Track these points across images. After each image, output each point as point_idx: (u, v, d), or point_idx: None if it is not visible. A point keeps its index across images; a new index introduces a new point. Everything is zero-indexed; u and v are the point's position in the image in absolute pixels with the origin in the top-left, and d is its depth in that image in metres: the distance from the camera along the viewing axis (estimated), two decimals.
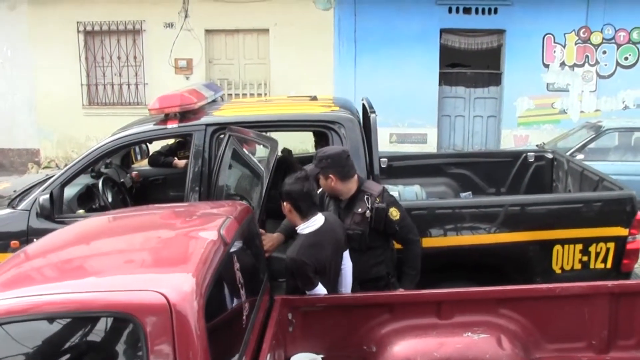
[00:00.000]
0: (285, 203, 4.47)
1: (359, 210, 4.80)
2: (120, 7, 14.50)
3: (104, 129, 13.85)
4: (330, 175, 4.79)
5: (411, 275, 4.85)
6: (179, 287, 3.01)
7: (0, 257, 5.52)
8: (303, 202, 4.43)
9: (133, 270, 3.39)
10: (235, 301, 3.68)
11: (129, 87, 14.91)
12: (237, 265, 3.72)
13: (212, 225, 3.70)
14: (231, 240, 3.62)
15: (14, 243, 5.66)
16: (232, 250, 3.64)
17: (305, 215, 4.46)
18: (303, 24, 14.03)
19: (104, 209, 6.24)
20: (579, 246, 5.54)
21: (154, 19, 14.45)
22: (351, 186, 4.86)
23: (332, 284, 4.54)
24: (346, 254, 4.68)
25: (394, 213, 4.75)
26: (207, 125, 5.82)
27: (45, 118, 15.13)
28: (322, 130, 5.84)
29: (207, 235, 3.55)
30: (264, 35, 14.32)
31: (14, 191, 6.62)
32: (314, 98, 6.60)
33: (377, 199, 4.76)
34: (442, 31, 13.98)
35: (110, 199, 6.45)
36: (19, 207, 5.89)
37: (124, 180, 7.04)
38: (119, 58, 14.88)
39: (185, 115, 5.92)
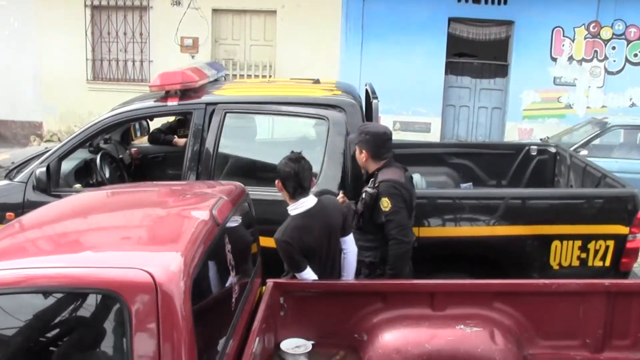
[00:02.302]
0: (277, 181, 4.48)
1: (364, 189, 4.87)
2: None
3: (107, 105, 13.70)
4: (364, 151, 4.89)
5: (388, 275, 4.69)
6: (166, 266, 2.96)
7: None
8: (289, 182, 4.43)
9: (122, 247, 3.35)
10: (225, 283, 3.63)
11: (133, 64, 14.81)
12: (228, 247, 3.67)
13: (205, 205, 3.66)
14: (223, 220, 3.57)
15: (9, 215, 5.62)
16: (224, 231, 3.59)
17: (293, 196, 4.46)
18: (311, 6, 13.91)
19: (101, 184, 6.20)
20: (578, 243, 5.49)
21: None
22: (378, 166, 4.89)
23: (325, 269, 4.52)
24: (350, 239, 4.68)
25: (385, 203, 4.67)
26: (208, 104, 5.77)
27: (49, 91, 15.02)
28: (322, 114, 5.75)
29: (198, 215, 3.51)
30: (271, 16, 14.21)
31: (12, 162, 6.59)
32: (317, 81, 6.55)
33: (376, 184, 4.75)
34: (450, 20, 13.85)
35: (107, 175, 6.40)
36: (16, 179, 5.87)
37: (122, 156, 6.99)
38: (125, 34, 14.76)
39: (186, 93, 5.87)
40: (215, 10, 14.24)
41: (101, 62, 14.95)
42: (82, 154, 6.39)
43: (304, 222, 4.41)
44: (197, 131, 5.70)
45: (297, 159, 4.48)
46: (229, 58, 14.20)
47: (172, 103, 5.84)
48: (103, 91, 14.54)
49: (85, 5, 14.69)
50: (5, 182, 5.91)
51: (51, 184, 5.63)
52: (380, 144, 4.92)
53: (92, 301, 3.07)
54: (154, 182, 4.89)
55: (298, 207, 4.46)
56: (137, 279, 2.88)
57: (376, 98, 5.75)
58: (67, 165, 6.07)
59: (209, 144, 5.65)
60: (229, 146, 6.01)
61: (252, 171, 6.03)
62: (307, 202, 4.49)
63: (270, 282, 4.28)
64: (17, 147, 14.24)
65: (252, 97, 6.08)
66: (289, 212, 4.47)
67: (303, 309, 4.26)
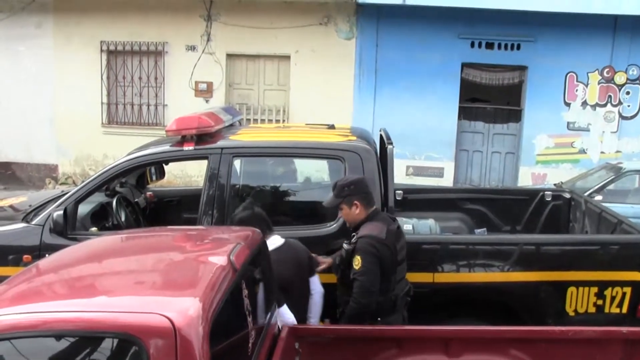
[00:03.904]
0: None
1: (346, 240, 4.84)
2: (143, 28, 14.63)
3: (122, 148, 13.91)
4: (356, 202, 4.81)
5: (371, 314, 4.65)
6: (185, 311, 2.96)
7: (13, 271, 5.53)
8: (258, 224, 4.55)
9: (140, 291, 3.35)
10: (242, 328, 3.63)
11: (148, 108, 14.99)
12: (245, 292, 3.68)
13: (222, 250, 3.67)
14: (241, 266, 3.58)
15: (27, 257, 5.67)
16: (241, 276, 3.60)
17: (264, 235, 4.53)
18: (324, 52, 14.07)
19: (117, 227, 6.24)
20: (594, 289, 5.45)
21: (176, 41, 14.55)
22: (366, 215, 4.83)
23: (298, 307, 4.62)
24: (316, 279, 4.84)
25: (356, 262, 4.61)
26: (223, 149, 5.81)
27: (65, 134, 15.23)
28: (337, 159, 5.81)
29: (216, 261, 3.51)
30: (284, 61, 14.37)
31: (29, 205, 6.65)
32: (332, 127, 6.59)
33: (355, 240, 4.70)
34: (464, 65, 13.96)
35: (123, 218, 6.44)
36: (33, 222, 5.92)
37: (138, 200, 7.03)
38: (140, 78, 14.97)
39: (202, 138, 5.91)
40: (229, 55, 14.44)
41: (116, 105, 15.13)
42: (98, 198, 6.44)
43: (278, 257, 4.56)
44: (212, 176, 5.73)
45: (251, 203, 4.81)
46: (242, 102, 14.34)
47: (188, 148, 5.88)
48: (118, 135, 14.70)
49: (102, 50, 14.93)
50: (23, 224, 5.96)
51: (68, 227, 5.67)
52: (367, 188, 4.92)
53: (110, 345, 3.07)
54: (171, 227, 4.91)
55: (270, 244, 4.57)
56: (156, 323, 2.89)
57: (391, 144, 5.79)
58: (84, 209, 6.11)
59: (225, 188, 5.69)
60: (244, 191, 6.07)
61: (268, 215, 6.07)
62: (277, 240, 4.75)
63: (285, 327, 4.28)
64: (33, 189, 14.36)
65: (268, 142, 6.13)
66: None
67: (318, 355, 4.24)
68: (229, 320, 3.41)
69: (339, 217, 5.45)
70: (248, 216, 4.72)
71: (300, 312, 4.63)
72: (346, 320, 4.63)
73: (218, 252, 3.71)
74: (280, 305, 4.41)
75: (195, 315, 2.95)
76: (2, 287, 3.63)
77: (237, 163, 5.88)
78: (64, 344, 3.18)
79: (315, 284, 4.84)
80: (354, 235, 4.78)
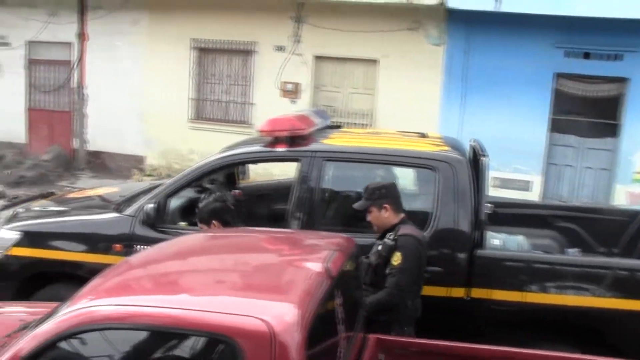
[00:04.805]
0: (213, 222, 4.92)
1: (381, 241, 4.83)
2: (234, 27, 14.79)
3: (207, 144, 14.17)
4: (386, 206, 4.88)
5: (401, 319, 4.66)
6: (283, 316, 2.96)
7: (103, 259, 5.75)
8: (229, 215, 4.93)
9: (237, 293, 3.36)
10: (333, 337, 3.59)
11: (235, 106, 15.15)
12: (339, 300, 3.63)
13: (319, 256, 3.64)
14: (337, 274, 3.54)
15: (116, 246, 5.80)
16: (336, 284, 3.55)
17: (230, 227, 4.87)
18: (412, 57, 13.91)
19: None
20: None
21: (265, 41, 14.64)
22: (397, 220, 4.90)
23: None
24: None
25: (396, 258, 4.64)
26: (316, 152, 5.79)
27: (153, 128, 15.55)
28: (428, 169, 5.71)
29: (313, 267, 3.49)
30: (371, 65, 14.29)
31: (120, 196, 6.80)
32: (424, 135, 6.51)
33: (395, 237, 4.73)
34: (557, 75, 13.51)
35: None
36: (125, 213, 6.07)
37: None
38: (228, 76, 15.16)
39: (294, 140, 5.91)
40: (317, 57, 14.45)
41: (204, 102, 15.34)
42: (187, 193, 6.52)
43: None
44: (303, 179, 5.73)
45: (221, 195, 5.10)
46: (328, 105, 14.31)
47: (281, 149, 5.89)
48: (204, 130, 14.94)
49: (192, 48, 15.16)
50: (115, 214, 6.14)
51: (158, 220, 5.80)
52: (397, 193, 5.00)
53: (205, 345, 3.11)
54: (262, 229, 4.90)
55: None
56: (254, 327, 2.90)
57: (486, 155, 5.66)
58: (174, 203, 6.21)
59: (315, 192, 5.68)
60: (334, 195, 6.04)
61: (356, 220, 6.00)
62: None
63: (372, 337, 4.21)
64: (120, 179, 14.79)
65: (360, 147, 6.08)
66: None
67: None
68: (322, 328, 3.37)
69: (431, 226, 5.38)
70: (220, 208, 4.99)
71: None
72: (367, 306, 4.55)
73: (314, 258, 3.69)
74: None
75: (293, 321, 2.93)
76: (99, 279, 3.70)
77: (327, 167, 5.83)
78: (157, 339, 3.24)
79: None
80: (393, 232, 4.81)
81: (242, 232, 4.78)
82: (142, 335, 3.27)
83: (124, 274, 3.79)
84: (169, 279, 3.76)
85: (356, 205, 5.09)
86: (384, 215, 4.89)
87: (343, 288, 3.84)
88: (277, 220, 6.14)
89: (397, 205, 4.93)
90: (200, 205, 5.18)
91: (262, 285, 3.44)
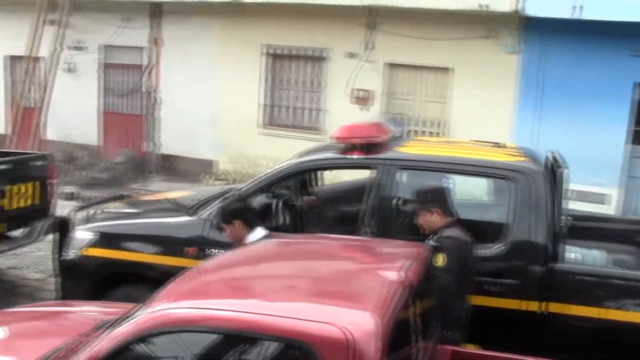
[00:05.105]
0: (235, 222, 5.03)
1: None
2: (306, 33, 14.82)
3: (277, 150, 14.22)
4: (435, 209, 4.96)
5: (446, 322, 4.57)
6: (363, 324, 2.94)
7: (176, 261, 5.82)
8: (250, 214, 5.12)
9: (314, 299, 3.36)
10: (409, 347, 3.54)
11: (306, 112, 15.19)
12: (415, 310, 3.59)
13: (396, 264, 3.61)
14: (414, 282, 3.50)
15: (189, 249, 5.87)
16: (413, 293, 3.52)
17: (252, 227, 5.01)
18: (486, 66, 13.67)
19: (276, 229, 6.31)
20: None
21: (338, 47, 14.62)
22: (444, 224, 4.94)
23: None
24: None
25: (440, 260, 4.63)
26: (390, 160, 5.76)
27: (224, 133, 15.70)
28: (504, 179, 5.62)
29: (390, 275, 3.46)
30: (445, 73, 14.13)
31: (192, 200, 6.89)
32: (500, 145, 6.42)
33: (438, 239, 4.77)
34: (638, 85, 13.09)
35: (283, 220, 6.52)
36: (198, 216, 6.12)
37: (298, 203, 7.10)
38: (299, 83, 15.21)
39: (368, 147, 5.88)
40: (390, 65, 14.37)
41: (275, 108, 15.44)
42: (260, 198, 6.55)
43: None
44: (377, 186, 5.70)
45: (242, 196, 5.31)
46: (400, 112, 14.22)
47: (355, 156, 5.88)
48: (274, 136, 15.04)
49: (263, 54, 15.28)
50: (188, 218, 6.20)
51: None
52: (445, 197, 5.08)
53: (281, 350, 3.11)
54: (337, 236, 4.90)
55: (256, 235, 4.94)
56: (333, 334, 2.89)
57: (564, 167, 5.56)
58: None
59: (389, 200, 5.65)
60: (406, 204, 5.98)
61: None
62: (261, 230, 5.02)
63: (445, 349, 4.15)
64: (190, 182, 14.97)
65: (435, 156, 6.02)
66: (250, 241, 4.88)
67: None
68: (399, 337, 3.33)
69: (506, 238, 5.30)
70: (243, 208, 5.16)
71: None
72: (443, 312, 4.53)
73: (392, 266, 3.66)
74: None
75: (372, 329, 2.91)
76: (176, 282, 3.74)
77: (402, 175, 5.79)
78: (232, 343, 3.26)
79: None
80: (437, 235, 4.86)
81: (316, 239, 4.78)
82: (218, 338, 3.30)
83: (200, 277, 3.83)
84: (245, 283, 3.79)
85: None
86: (432, 219, 4.98)
87: (419, 297, 3.80)
88: (348, 223, 6.14)
89: (445, 209, 5.01)
90: (222, 206, 5.33)
91: (340, 293, 3.43)
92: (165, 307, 3.37)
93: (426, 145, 6.64)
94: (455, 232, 4.86)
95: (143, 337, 3.28)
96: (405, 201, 5.58)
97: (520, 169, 5.59)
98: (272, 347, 3.15)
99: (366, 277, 3.64)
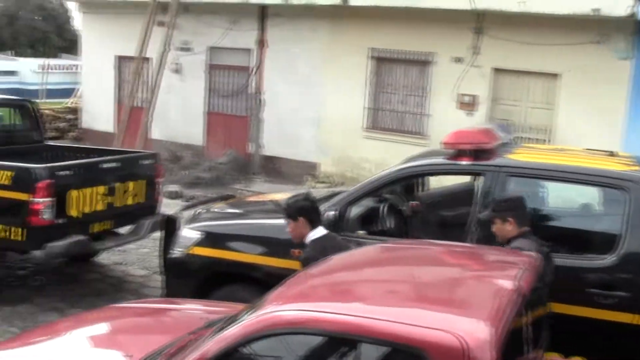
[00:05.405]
0: (300, 218, 5.18)
1: None
2: (412, 37, 14.80)
3: (381, 153, 14.33)
4: (509, 219, 4.95)
5: None
6: (477, 332, 2.93)
7: (281, 263, 5.91)
8: (315, 213, 5.24)
9: (426, 306, 3.36)
10: (521, 358, 3.52)
11: (410, 116, 15.14)
12: (527, 320, 3.56)
13: (509, 273, 3.59)
14: (527, 292, 3.48)
15: (295, 251, 5.93)
16: (526, 303, 3.49)
17: (315, 225, 5.20)
18: (596, 72, 13.26)
19: (383, 233, 6.35)
20: None
21: (443, 52, 14.51)
22: (516, 234, 4.92)
23: None
24: None
25: None
26: (500, 167, 5.71)
27: (327, 135, 15.85)
28: (618, 189, 5.48)
29: (504, 284, 3.44)
30: (552, 79, 13.80)
31: None
32: (613, 154, 6.25)
33: None
34: None
35: (390, 225, 6.55)
36: None
37: (404, 208, 7.11)
38: (405, 86, 15.18)
39: (478, 153, 5.85)
40: (496, 70, 14.17)
41: (379, 111, 15.47)
42: (366, 201, 6.60)
43: (325, 242, 5.12)
44: (486, 194, 5.66)
45: (306, 197, 5.36)
46: (505, 118, 13.98)
47: (464, 162, 5.86)
48: (378, 140, 15.08)
49: (370, 57, 15.33)
50: None
51: (339, 228, 5.90)
52: (522, 207, 5.06)
53: (393, 356, 3.11)
54: (447, 242, 4.89)
55: (317, 233, 5.18)
56: (448, 341, 2.88)
57: None
58: (354, 211, 6.28)
59: None
60: None
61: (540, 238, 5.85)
62: (322, 229, 5.25)
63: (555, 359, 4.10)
64: (292, 184, 15.15)
65: (547, 164, 5.91)
66: (310, 238, 5.16)
67: None
68: (512, 347, 3.32)
69: (618, 249, 5.18)
70: (309, 206, 5.26)
71: None
72: None
73: (505, 274, 3.64)
74: None
75: (487, 338, 2.90)
76: (286, 285, 3.82)
77: (512, 183, 5.73)
78: (341, 346, 3.29)
79: None
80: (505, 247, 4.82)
81: (424, 245, 4.79)
82: (325, 341, 3.32)
83: (309, 281, 3.88)
84: (353, 287, 3.84)
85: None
86: (506, 228, 4.98)
87: (531, 307, 3.77)
88: (451, 229, 6.12)
89: (521, 219, 4.99)
90: (289, 201, 5.40)
91: (453, 300, 3.43)
92: (275, 309, 3.42)
93: (537, 153, 6.52)
94: (524, 244, 4.78)
95: (251, 340, 3.33)
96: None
97: (635, 178, 5.44)
98: (380, 351, 3.15)
99: (479, 285, 3.63)
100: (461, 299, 3.42)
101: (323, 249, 4.95)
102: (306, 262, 4.91)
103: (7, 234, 7.57)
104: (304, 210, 5.23)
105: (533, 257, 4.08)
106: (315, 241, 5.15)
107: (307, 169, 16.15)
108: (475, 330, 2.95)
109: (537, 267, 3.95)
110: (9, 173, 7.55)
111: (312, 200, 5.34)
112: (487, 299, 3.32)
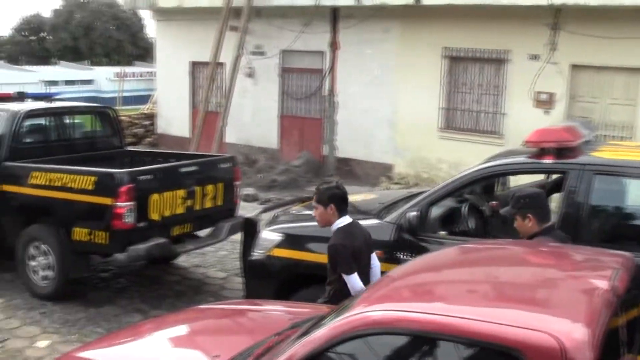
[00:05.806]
0: (330, 205, 5.26)
1: None
2: (486, 36, 14.59)
3: (456, 154, 14.18)
4: (529, 216, 4.91)
5: None
6: (574, 333, 2.87)
7: None
8: (344, 202, 5.34)
9: (518, 306, 3.30)
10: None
11: (486, 115, 14.92)
12: (623, 321, 3.47)
13: (603, 273, 3.50)
14: (623, 293, 3.39)
15: (377, 252, 5.93)
16: (622, 304, 3.40)
17: (342, 214, 5.31)
18: None
19: (464, 233, 6.29)
20: None
21: (519, 49, 14.26)
22: (539, 230, 4.89)
23: (363, 276, 5.19)
24: (374, 255, 5.52)
25: None
26: (585, 165, 5.57)
27: (402, 136, 15.77)
28: None
29: (599, 284, 3.36)
30: (634, 74, 13.38)
31: (379, 203, 6.98)
32: None
33: None
34: None
35: (471, 225, 6.48)
36: (386, 219, 6.20)
37: (484, 208, 7.03)
38: (479, 85, 14.99)
39: (561, 152, 5.73)
40: (574, 66, 13.83)
41: (454, 111, 15.32)
42: (447, 202, 6.54)
43: (351, 230, 5.29)
44: (571, 193, 5.54)
45: (338, 185, 5.44)
46: (584, 116, 13.64)
47: (547, 161, 5.75)
48: (453, 140, 14.92)
49: (443, 56, 15.19)
50: (376, 221, 6.27)
51: (420, 228, 5.88)
52: (542, 204, 5.02)
53: (484, 356, 3.08)
54: (534, 242, 4.80)
55: (343, 221, 5.31)
56: (545, 342, 2.83)
57: None
58: (434, 212, 6.25)
59: (584, 207, 5.46)
60: (604, 211, 5.77)
61: (627, 239, 5.68)
62: (348, 217, 5.36)
63: None
64: (367, 186, 15.13)
65: (634, 162, 5.74)
66: (336, 226, 5.29)
67: None
68: (608, 349, 3.23)
69: None
70: (340, 195, 5.33)
71: (365, 281, 5.15)
72: None
73: (599, 275, 3.56)
74: (351, 272, 5.08)
75: (584, 339, 2.84)
76: (372, 288, 3.82)
77: (597, 181, 5.58)
78: (429, 346, 3.26)
79: (374, 259, 5.52)
80: None
81: (509, 245, 4.71)
82: (413, 342, 3.30)
83: (397, 282, 3.86)
84: (442, 288, 3.80)
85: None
86: (527, 225, 4.95)
87: (625, 308, 3.67)
88: None
89: (541, 216, 4.95)
90: (321, 187, 5.45)
91: (546, 300, 3.36)
92: (364, 310, 3.42)
93: (622, 150, 6.35)
94: (545, 241, 4.75)
95: (339, 342, 3.33)
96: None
97: None
98: (472, 352, 3.12)
99: (573, 285, 3.54)
100: (556, 299, 3.35)
101: (351, 235, 5.23)
102: (334, 249, 5.16)
103: (91, 237, 7.79)
104: (336, 198, 5.32)
105: (627, 257, 3.96)
106: (343, 229, 5.29)
107: (382, 170, 16.10)
108: (573, 331, 2.89)
109: (631, 268, 3.84)
110: (92, 178, 7.77)
111: (344, 190, 5.43)
112: (582, 299, 3.25)
